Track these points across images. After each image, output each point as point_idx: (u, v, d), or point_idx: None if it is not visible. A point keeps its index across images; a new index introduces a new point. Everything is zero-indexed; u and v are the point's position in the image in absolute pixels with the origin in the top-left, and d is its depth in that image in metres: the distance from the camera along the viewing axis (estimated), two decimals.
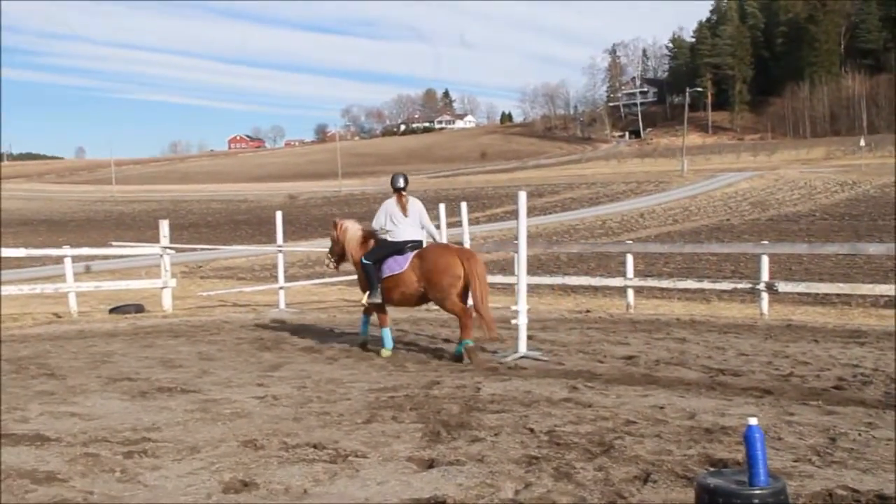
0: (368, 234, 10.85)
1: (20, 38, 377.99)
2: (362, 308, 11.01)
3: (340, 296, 20.01)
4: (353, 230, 11.01)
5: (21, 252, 18.06)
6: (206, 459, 5.43)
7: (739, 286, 14.94)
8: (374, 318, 10.80)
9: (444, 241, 16.14)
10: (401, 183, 10.67)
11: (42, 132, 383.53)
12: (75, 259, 16.75)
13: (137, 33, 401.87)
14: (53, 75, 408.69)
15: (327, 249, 11.58)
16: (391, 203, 10.56)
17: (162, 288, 16.50)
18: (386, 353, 10.27)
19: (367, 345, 10.63)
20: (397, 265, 10.26)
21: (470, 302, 9.98)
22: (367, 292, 10.49)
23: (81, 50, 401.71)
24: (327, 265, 11.79)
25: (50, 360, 9.97)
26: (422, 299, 10.52)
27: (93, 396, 7.62)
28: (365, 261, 10.52)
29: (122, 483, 4.96)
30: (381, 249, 10.50)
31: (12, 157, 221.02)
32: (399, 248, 10.36)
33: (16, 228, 73.59)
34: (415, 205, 10.68)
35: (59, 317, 15.49)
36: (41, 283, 19.84)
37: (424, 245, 10.57)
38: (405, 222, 10.48)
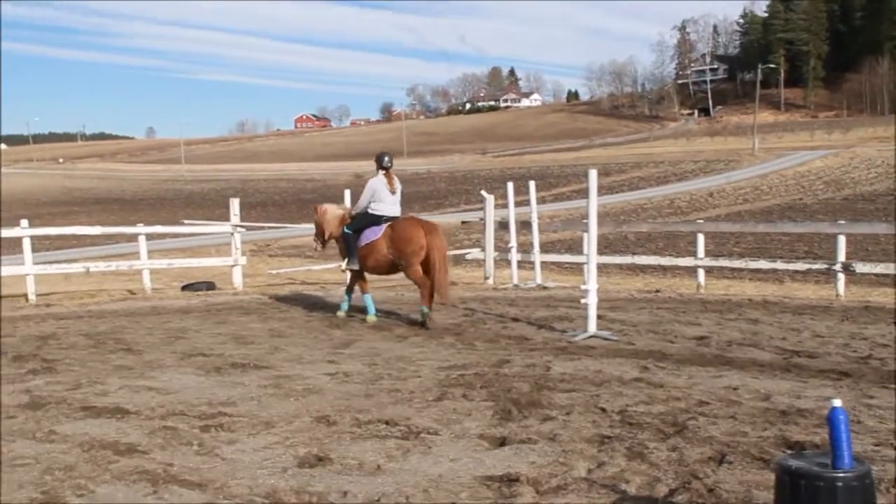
0: (347, 214, 11.99)
1: (91, 19, 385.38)
2: (349, 286, 12.07)
3: None
4: (332, 211, 12.23)
5: (97, 230, 18.48)
6: (281, 434, 5.51)
7: (814, 267, 14.61)
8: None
9: (512, 220, 16.14)
10: (387, 161, 11.50)
11: (114, 112, 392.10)
12: (149, 237, 17.07)
13: (206, 14, 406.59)
14: (124, 56, 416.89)
15: (314, 234, 12.66)
16: (380, 181, 11.42)
17: (232, 266, 16.74)
18: (372, 319, 11.31)
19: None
20: (372, 234, 11.32)
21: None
22: (346, 259, 11.60)
23: (151, 31, 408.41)
24: (315, 248, 12.99)
25: (126, 335, 10.20)
26: (392, 267, 11.46)
27: (169, 371, 7.78)
28: (346, 230, 11.62)
29: (201, 456, 5.07)
30: (361, 220, 11.53)
31: (85, 137, 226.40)
32: (377, 220, 11.37)
33: (89, 207, 75.34)
34: (398, 184, 11.65)
35: (134, 293, 15.83)
36: (116, 260, 20.31)
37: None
38: (390, 199, 11.46)
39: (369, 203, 11.40)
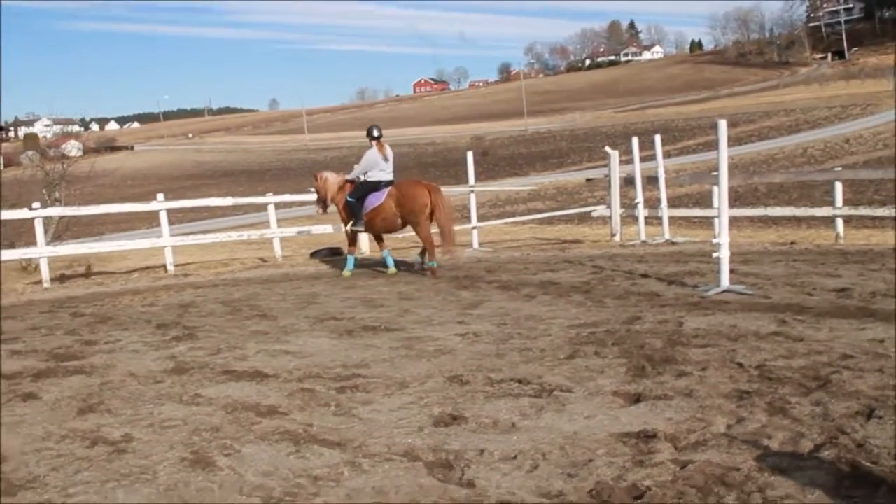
0: (345, 181, 13.20)
1: None
2: (348, 244, 13.50)
3: (532, 234, 20.00)
4: (332, 179, 13.40)
5: (228, 201, 19.10)
6: (415, 394, 5.57)
7: None
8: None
9: (638, 175, 15.84)
10: (376, 133, 12.81)
11: (238, 86, 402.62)
12: (277, 206, 17.49)
13: None
14: (246, 31, 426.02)
15: (315, 199, 13.82)
16: (374, 152, 12.68)
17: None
18: (347, 273, 12.80)
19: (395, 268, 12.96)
20: (376, 199, 12.62)
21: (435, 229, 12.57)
22: (352, 222, 12.92)
23: (272, 5, 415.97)
24: (317, 211, 13.92)
25: (261, 301, 10.51)
26: (399, 225, 12.86)
27: (303, 335, 7.97)
28: (349, 198, 12.86)
29: (338, 416, 5.17)
30: (361, 188, 12.78)
31: (212, 112, 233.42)
32: (376, 186, 12.66)
33: (218, 179, 77.85)
34: (390, 152, 12.88)
35: (265, 261, 16.30)
36: (247, 230, 20.91)
37: (392, 183, 12.79)
38: (385, 166, 12.73)
39: (365, 171, 12.74)
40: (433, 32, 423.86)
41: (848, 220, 15.47)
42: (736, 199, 25.54)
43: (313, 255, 16.66)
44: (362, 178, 12.83)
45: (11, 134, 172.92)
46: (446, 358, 6.61)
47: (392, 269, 12.86)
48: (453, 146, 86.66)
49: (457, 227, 20.10)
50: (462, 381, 5.84)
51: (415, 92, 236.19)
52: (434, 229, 12.60)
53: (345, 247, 16.94)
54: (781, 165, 41.86)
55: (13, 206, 18.69)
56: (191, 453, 4.55)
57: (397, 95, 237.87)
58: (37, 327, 9.23)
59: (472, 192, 17.40)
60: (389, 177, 12.81)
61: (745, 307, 8.27)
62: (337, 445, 4.61)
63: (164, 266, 15.22)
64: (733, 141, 54.84)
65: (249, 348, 7.39)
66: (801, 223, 19.21)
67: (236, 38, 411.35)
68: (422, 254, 12.86)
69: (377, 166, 12.68)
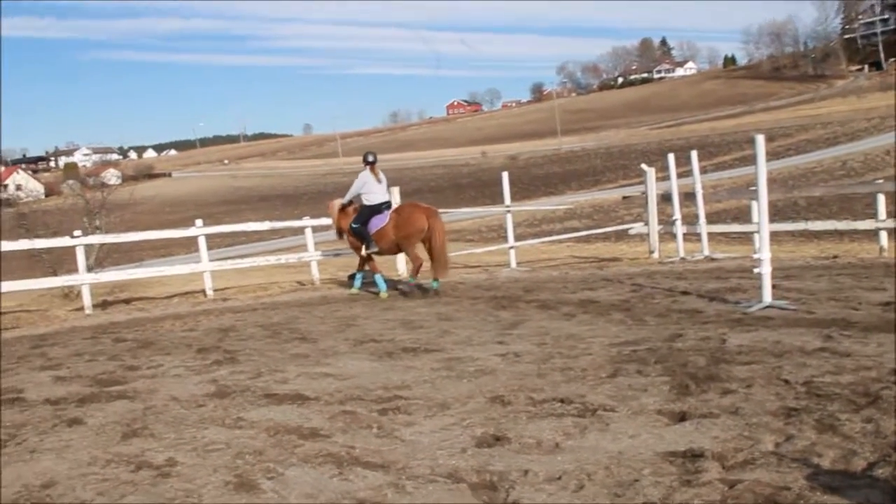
0: (345, 206, 13.78)
1: (247, 24, 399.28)
2: (359, 266, 13.90)
3: (569, 253, 19.90)
4: (335, 204, 14.07)
5: (265, 225, 19.22)
6: (457, 415, 5.54)
7: None
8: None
9: (675, 191, 15.74)
10: (371, 158, 13.49)
11: (272, 112, 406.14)
12: (314, 229, 17.58)
13: (354, 10, 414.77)
14: (279, 58, 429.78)
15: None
16: (367, 174, 13.30)
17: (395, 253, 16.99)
18: (384, 295, 13.02)
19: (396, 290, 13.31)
20: (381, 222, 13.17)
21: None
22: (364, 246, 13.37)
23: (304, 31, 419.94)
24: (337, 238, 14.52)
25: (300, 324, 10.53)
26: (400, 246, 13.34)
27: (343, 358, 7.96)
28: (354, 224, 13.37)
29: (381, 438, 5.15)
30: (364, 213, 13.30)
31: (247, 138, 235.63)
32: (378, 209, 13.24)
33: (255, 205, 78.44)
34: (383, 175, 13.47)
35: (303, 284, 16.36)
36: (284, 253, 21.02)
37: (391, 204, 13.53)
38: (379, 188, 13.32)
39: (359, 193, 13.35)
40: (465, 54, 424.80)
41: (892, 232, 15.24)
42: (776, 213, 25.21)
43: (351, 277, 16.67)
44: (363, 202, 13.37)
45: (52, 164, 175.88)
46: (487, 378, 6.57)
47: (384, 294, 13.12)
48: (487, 167, 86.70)
49: (494, 248, 20.16)
50: (504, 401, 5.80)
51: (448, 113, 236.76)
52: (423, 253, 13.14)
53: (383, 269, 17.02)
54: (821, 179, 41.41)
55: (55, 233, 18.93)
56: (234, 477, 4.55)
57: (431, 117, 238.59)
58: (80, 353, 9.32)
59: (509, 211, 17.37)
60: (386, 197, 13.47)
61: (789, 323, 8.15)
62: (380, 467, 4.59)
63: (204, 291, 15.33)
64: (770, 155, 54.24)
65: (290, 371, 7.40)
66: (842, 237, 18.96)
67: (268, 64, 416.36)
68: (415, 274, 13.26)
69: (371, 189, 13.23)
